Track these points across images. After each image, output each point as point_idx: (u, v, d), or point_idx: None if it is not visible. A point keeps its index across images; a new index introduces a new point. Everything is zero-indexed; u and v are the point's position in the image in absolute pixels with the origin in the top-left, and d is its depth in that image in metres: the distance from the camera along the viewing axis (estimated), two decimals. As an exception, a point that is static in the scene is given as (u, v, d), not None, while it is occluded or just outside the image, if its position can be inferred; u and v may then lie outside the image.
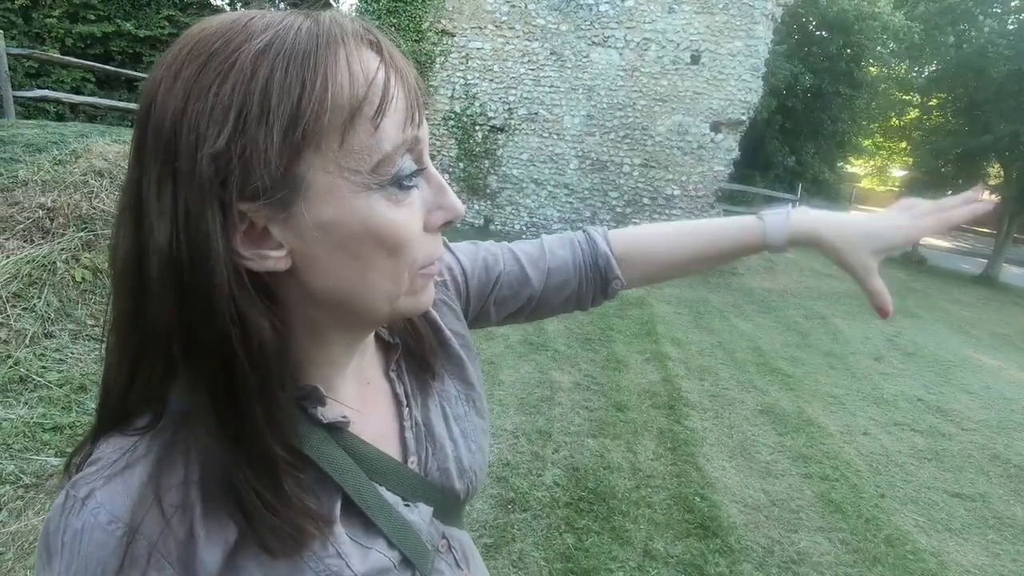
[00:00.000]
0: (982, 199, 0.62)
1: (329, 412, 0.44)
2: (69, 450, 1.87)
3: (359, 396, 0.50)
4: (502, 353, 4.27)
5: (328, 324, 0.44)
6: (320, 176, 0.37)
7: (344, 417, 0.45)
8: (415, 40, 8.90)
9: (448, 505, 0.55)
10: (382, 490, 0.48)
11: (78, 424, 2.51)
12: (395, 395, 0.54)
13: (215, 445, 0.38)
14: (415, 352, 0.56)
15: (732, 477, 2.97)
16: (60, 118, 9.02)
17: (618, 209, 9.60)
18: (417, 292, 0.44)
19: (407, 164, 0.40)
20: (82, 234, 3.31)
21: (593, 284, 0.69)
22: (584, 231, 0.72)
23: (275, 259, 0.38)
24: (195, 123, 0.34)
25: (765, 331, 5.86)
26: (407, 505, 0.50)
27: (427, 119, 0.43)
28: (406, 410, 0.54)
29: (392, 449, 0.51)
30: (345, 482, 0.44)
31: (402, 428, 0.53)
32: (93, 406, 2.62)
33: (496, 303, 0.67)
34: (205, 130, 0.34)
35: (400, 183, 0.39)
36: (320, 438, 0.44)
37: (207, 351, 0.37)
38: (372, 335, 0.52)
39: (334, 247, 0.39)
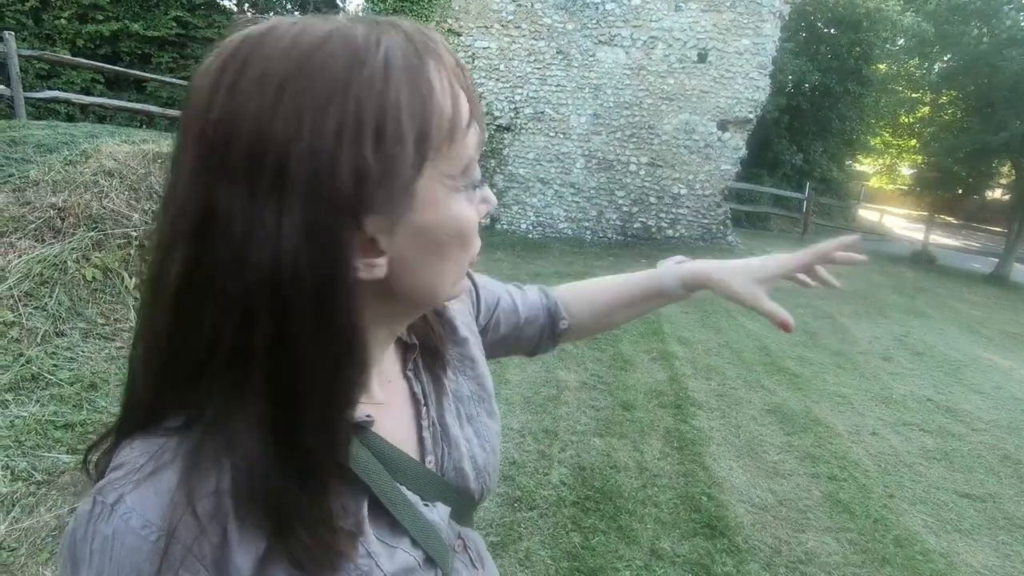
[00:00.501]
0: (854, 247, 0.71)
1: (355, 411, 0.44)
2: (81, 447, 1.89)
3: (379, 396, 0.51)
4: (508, 352, 4.28)
5: (381, 323, 0.45)
6: (426, 184, 0.38)
7: (369, 416, 0.45)
8: (421, 40, 8.92)
9: (463, 505, 0.56)
10: (403, 490, 0.48)
11: (89, 422, 2.53)
12: (412, 394, 0.54)
13: (261, 458, 0.37)
14: (428, 347, 0.57)
15: (739, 477, 2.96)
16: (70, 119, 9.10)
17: (624, 208, 9.58)
18: (463, 276, 0.46)
19: (477, 164, 0.42)
20: (92, 234, 3.35)
21: (547, 325, 0.76)
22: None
23: (380, 267, 0.39)
24: (320, 139, 0.33)
25: (772, 330, 5.82)
26: (426, 505, 0.50)
27: None
28: (424, 409, 0.54)
29: (410, 448, 0.51)
30: (372, 482, 0.44)
31: (420, 427, 0.53)
32: (103, 404, 2.66)
33: (492, 327, 0.71)
34: (337, 147, 0.33)
35: (476, 182, 0.42)
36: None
37: (303, 365, 0.36)
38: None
39: (426, 247, 0.40)
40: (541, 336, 0.77)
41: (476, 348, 0.64)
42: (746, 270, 0.69)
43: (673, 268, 0.74)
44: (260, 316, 0.35)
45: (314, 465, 0.38)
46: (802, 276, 0.72)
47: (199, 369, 0.37)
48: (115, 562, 0.34)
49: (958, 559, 2.54)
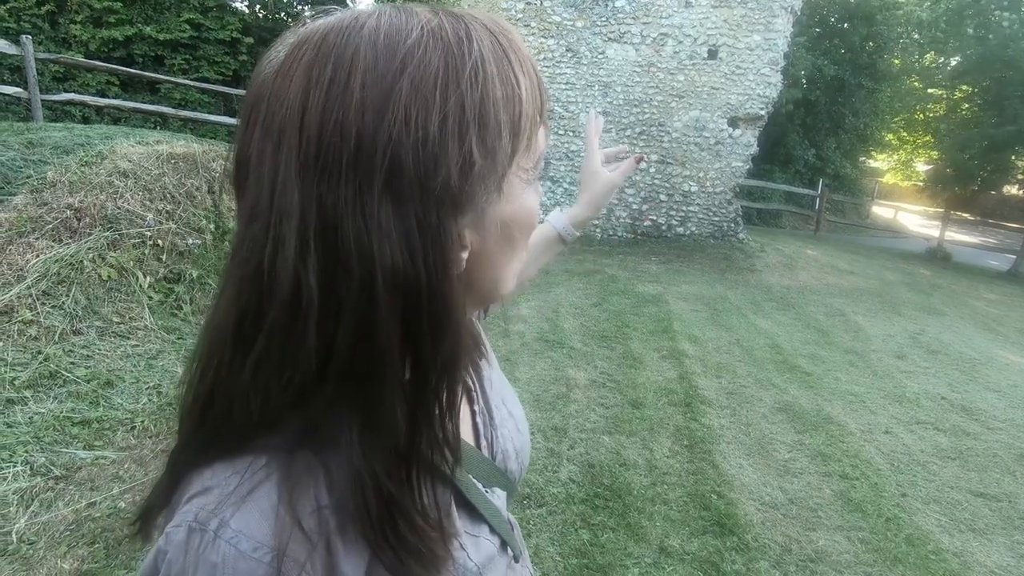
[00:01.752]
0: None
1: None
2: (98, 443, 1.91)
3: None
4: (518, 350, 4.29)
5: None
6: (512, 178, 0.39)
7: None
8: (431, 39, 8.94)
9: (511, 489, 0.56)
10: (471, 477, 0.48)
11: (105, 418, 2.58)
12: (463, 383, 0.55)
13: (378, 467, 0.35)
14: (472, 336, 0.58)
15: (749, 475, 2.95)
16: (85, 120, 9.24)
17: (634, 206, 9.55)
18: (519, 273, 0.46)
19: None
20: (108, 234, 3.40)
21: None
22: None
23: (463, 261, 0.38)
24: (427, 136, 0.33)
25: (784, 328, 5.79)
26: (487, 490, 0.50)
27: None
28: (475, 395, 0.55)
29: (467, 436, 0.51)
30: (454, 475, 0.43)
31: (473, 414, 0.54)
32: (119, 401, 2.70)
33: None
34: (442, 143, 0.33)
35: (542, 174, 0.43)
36: None
37: (427, 368, 0.36)
38: None
39: (503, 239, 0.40)
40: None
41: (485, 333, 0.66)
42: (606, 184, 0.84)
43: (560, 216, 0.86)
44: (382, 320, 0.33)
45: (427, 466, 0.37)
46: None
47: (304, 386, 0.35)
48: None
49: (972, 559, 2.51)
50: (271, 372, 0.35)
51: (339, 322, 0.33)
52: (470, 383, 0.55)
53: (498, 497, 0.52)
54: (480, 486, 0.49)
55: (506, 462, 0.55)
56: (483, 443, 0.53)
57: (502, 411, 0.58)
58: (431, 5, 0.42)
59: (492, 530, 0.48)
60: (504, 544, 0.49)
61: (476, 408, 0.54)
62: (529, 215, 0.41)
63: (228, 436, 0.36)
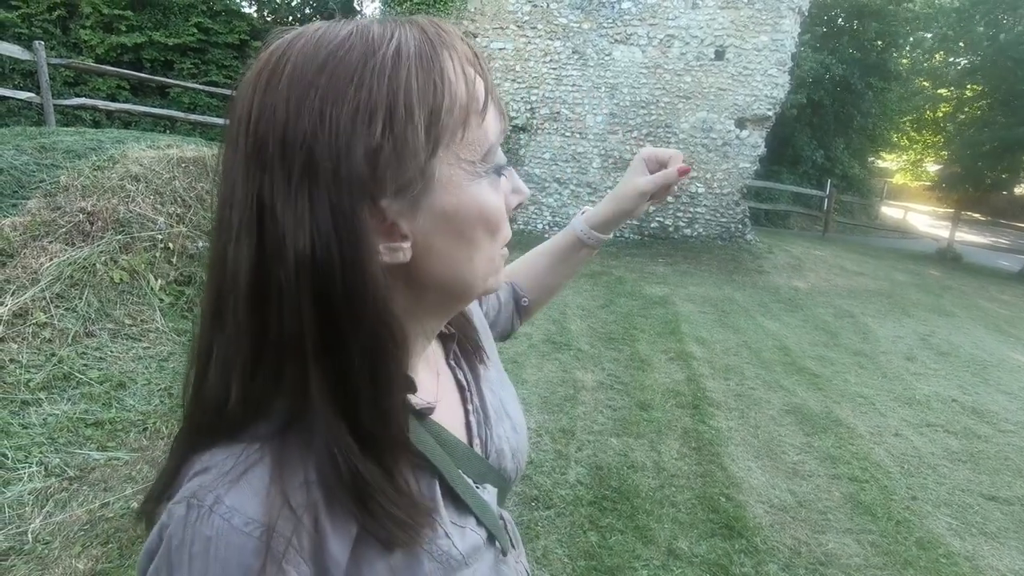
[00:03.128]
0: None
1: (416, 399, 0.46)
2: (111, 444, 1.94)
3: (433, 386, 0.54)
4: (525, 352, 4.30)
5: (418, 312, 0.46)
6: (444, 168, 0.40)
7: (430, 404, 0.48)
8: (438, 42, 8.98)
9: (504, 486, 0.58)
10: (461, 473, 0.50)
11: (118, 420, 2.61)
12: (457, 381, 0.57)
13: (339, 444, 0.38)
14: (467, 338, 0.60)
15: (758, 477, 2.94)
16: (96, 124, 9.34)
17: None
18: (498, 271, 0.47)
19: (501, 153, 0.44)
20: (120, 237, 3.44)
21: (513, 307, 0.83)
22: None
23: (403, 251, 0.40)
24: (338, 126, 0.35)
25: (792, 330, 5.77)
26: (478, 487, 0.52)
27: None
28: (468, 394, 0.57)
29: (460, 434, 0.53)
30: (441, 465, 0.46)
31: (467, 412, 0.56)
32: (132, 402, 2.73)
33: (487, 315, 0.76)
34: (352, 132, 0.35)
35: (499, 169, 0.43)
36: (414, 425, 0.45)
37: (349, 350, 0.38)
38: None
39: (451, 233, 0.41)
40: (512, 318, 0.83)
41: (487, 336, 0.68)
42: (633, 188, 0.76)
43: (579, 217, 0.81)
44: (304, 304, 0.36)
45: (381, 445, 0.40)
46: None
47: (279, 369, 0.38)
48: (220, 561, 0.35)
49: (983, 562, 2.49)
50: (244, 355, 0.38)
51: (280, 306, 0.36)
52: (463, 381, 0.57)
53: (489, 493, 0.53)
54: (470, 481, 0.51)
55: (501, 461, 0.57)
56: (476, 441, 0.55)
57: (500, 412, 0.59)
58: (428, 15, 0.44)
59: (479, 523, 0.50)
60: (492, 537, 0.51)
61: (470, 407, 0.56)
62: (482, 210, 0.42)
63: (224, 422, 0.39)
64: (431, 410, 0.48)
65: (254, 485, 0.37)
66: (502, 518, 0.58)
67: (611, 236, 0.83)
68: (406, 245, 0.40)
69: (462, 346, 0.60)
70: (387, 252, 0.39)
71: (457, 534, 0.46)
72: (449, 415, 0.53)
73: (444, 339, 0.58)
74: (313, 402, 0.38)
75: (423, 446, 0.45)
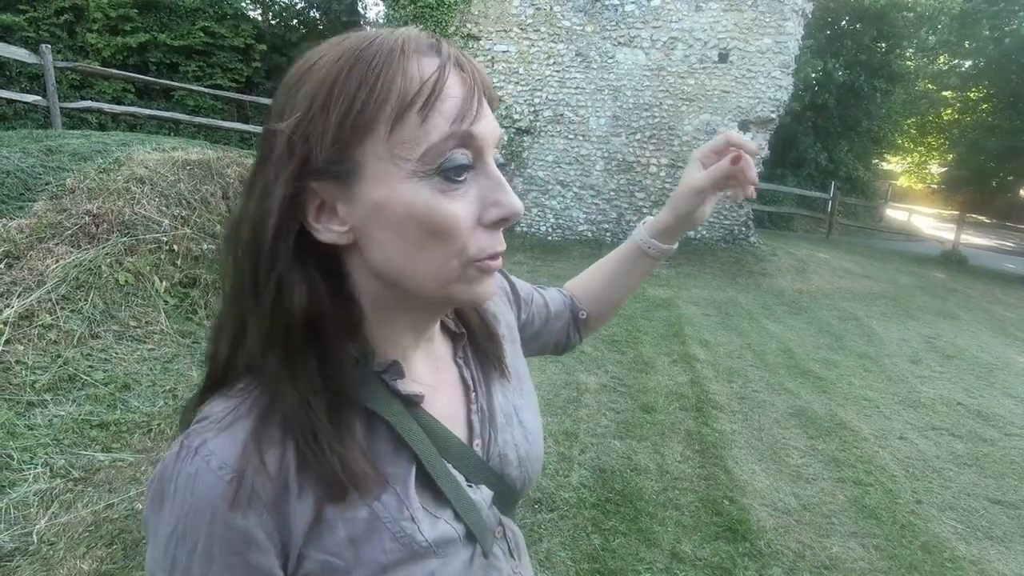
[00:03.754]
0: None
1: (405, 386, 0.49)
2: (115, 445, 1.96)
3: (431, 378, 0.54)
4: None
5: (392, 304, 0.48)
6: (374, 162, 0.42)
7: (419, 393, 0.50)
8: (441, 45, 9.00)
9: (505, 494, 0.57)
10: (449, 467, 0.51)
11: (123, 421, 2.62)
12: (463, 379, 0.58)
13: (291, 401, 0.43)
14: (483, 346, 0.61)
15: (762, 480, 2.93)
16: (102, 127, 9.39)
17: (644, 210, 9.53)
18: (471, 282, 0.46)
19: (456, 157, 0.42)
20: (125, 239, 3.45)
21: (570, 319, 0.83)
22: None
23: (338, 233, 0.44)
24: (280, 116, 0.42)
25: (796, 332, 5.75)
26: (470, 485, 0.53)
27: None
28: (473, 394, 0.57)
29: (459, 430, 0.54)
30: (420, 452, 0.48)
31: (469, 411, 0.57)
32: (136, 404, 2.74)
33: (528, 323, 0.77)
34: (281, 118, 0.42)
35: (446, 174, 0.42)
36: (398, 409, 0.48)
37: (281, 313, 0.43)
38: (438, 323, 0.56)
39: (385, 227, 0.43)
40: (568, 330, 0.82)
41: (513, 345, 0.68)
42: (686, 187, 0.72)
43: (641, 227, 0.79)
44: (261, 268, 0.43)
45: (324, 399, 0.44)
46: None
47: (244, 332, 0.45)
48: (195, 496, 0.40)
49: (989, 567, 2.48)
50: (232, 321, 0.46)
51: (244, 272, 0.44)
52: (469, 380, 0.58)
53: (482, 494, 0.53)
54: (460, 477, 0.51)
55: (504, 466, 0.57)
56: (477, 441, 0.55)
57: (511, 418, 0.59)
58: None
59: (457, 517, 0.50)
60: (470, 536, 0.50)
61: (473, 406, 0.57)
62: (412, 209, 0.42)
63: (226, 379, 0.46)
64: (420, 398, 0.50)
65: (236, 435, 0.42)
66: (501, 524, 0.57)
67: (675, 246, 0.78)
68: (342, 228, 0.44)
69: (475, 347, 0.60)
70: (323, 230, 0.44)
71: (427, 521, 0.47)
72: (448, 409, 0.54)
73: (454, 337, 0.59)
74: (269, 360, 0.43)
75: (403, 428, 0.47)
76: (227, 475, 0.40)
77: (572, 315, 0.83)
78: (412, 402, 0.49)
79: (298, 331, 0.43)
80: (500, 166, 0.47)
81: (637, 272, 0.81)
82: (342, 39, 0.43)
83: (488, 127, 0.44)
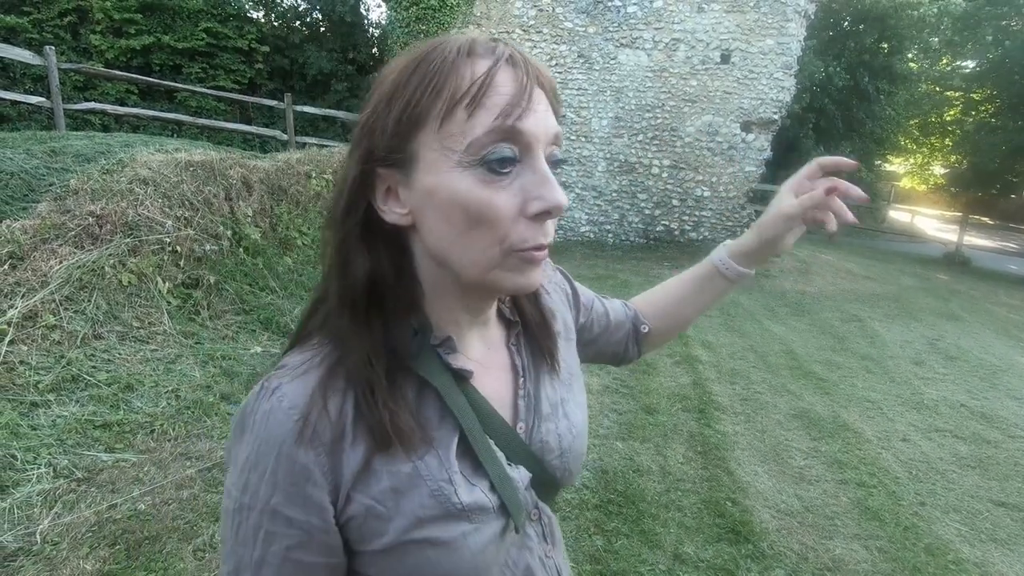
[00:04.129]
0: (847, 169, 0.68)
1: (457, 361, 0.53)
2: (118, 446, 1.97)
3: (483, 358, 0.58)
4: (530, 355, 4.29)
5: (446, 284, 0.52)
6: (427, 152, 0.47)
7: (469, 369, 0.54)
8: (444, 46, 9.00)
9: (544, 480, 0.59)
10: (491, 443, 0.54)
11: (126, 422, 2.62)
12: (513, 364, 0.61)
13: (355, 356, 0.49)
14: (536, 336, 0.63)
15: (764, 482, 2.93)
16: (105, 128, 9.42)
17: (647, 211, 9.53)
18: (513, 271, 0.49)
19: (500, 150, 0.46)
20: (128, 240, 3.46)
21: (631, 331, 0.84)
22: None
23: (399, 215, 0.49)
24: (363, 111, 0.49)
25: (799, 334, 5.74)
26: (510, 464, 0.55)
27: None
28: (521, 379, 0.60)
29: (506, 411, 0.57)
30: (463, 422, 0.52)
31: (516, 395, 0.59)
32: (139, 404, 2.75)
33: (587, 327, 0.79)
34: (370, 116, 0.48)
35: (489, 165, 0.46)
36: (448, 381, 0.52)
37: (349, 279, 0.50)
38: (493, 309, 0.60)
39: (435, 211, 0.48)
40: (627, 342, 0.84)
41: (568, 343, 0.70)
42: (776, 212, 0.72)
43: (721, 247, 0.79)
44: (335, 240, 0.50)
45: (383, 358, 0.49)
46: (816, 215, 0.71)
47: (339, 296, 0.51)
48: (268, 430, 0.47)
49: (993, 569, 2.47)
50: (323, 288, 0.53)
51: (330, 247, 0.52)
52: (519, 366, 0.61)
53: (520, 474, 0.55)
54: (500, 453, 0.54)
55: (544, 453, 0.59)
56: (520, 424, 0.58)
57: (557, 409, 0.62)
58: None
59: (492, 489, 0.52)
60: (504, 508, 0.52)
61: (521, 391, 0.60)
62: (456, 196, 0.46)
63: (306, 336, 0.54)
64: (469, 374, 0.54)
65: (306, 382, 0.48)
66: (537, 508, 0.59)
67: (753, 272, 0.77)
68: (403, 210, 0.49)
69: (529, 337, 0.63)
70: (388, 211, 0.49)
71: (464, 486, 0.50)
72: (496, 390, 0.58)
73: (508, 324, 0.63)
74: (342, 320, 0.50)
75: (450, 399, 0.52)
76: (295, 415, 0.46)
77: (633, 328, 0.84)
78: (462, 377, 0.53)
79: (363, 297, 0.49)
80: (556, 162, 0.50)
81: (710, 293, 0.80)
82: (419, 45, 0.48)
83: (537, 123, 0.47)
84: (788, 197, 0.71)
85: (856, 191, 0.67)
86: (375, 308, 0.50)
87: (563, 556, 0.66)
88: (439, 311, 0.53)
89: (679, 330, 0.87)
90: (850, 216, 0.67)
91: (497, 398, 0.57)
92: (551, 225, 0.50)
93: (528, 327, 0.63)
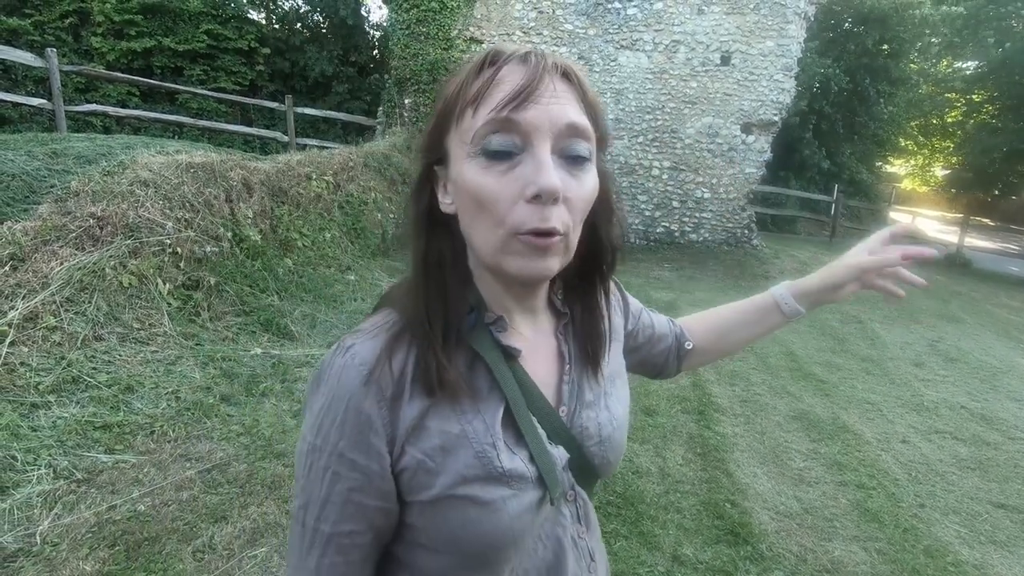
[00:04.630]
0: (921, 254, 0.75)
1: (507, 339, 0.58)
2: (118, 447, 1.97)
3: (531, 342, 0.62)
4: (530, 357, 4.29)
5: (483, 268, 0.58)
6: (453, 148, 0.54)
7: (517, 348, 0.59)
8: (444, 48, 9.03)
9: (583, 466, 0.63)
10: (533, 420, 0.58)
11: (126, 423, 2.63)
12: (560, 352, 0.65)
13: (419, 319, 0.55)
14: (586, 331, 0.66)
15: (763, 484, 2.93)
16: (106, 130, 9.44)
17: (647, 213, 9.53)
18: (517, 255, 0.52)
19: (497, 140, 0.50)
20: (129, 242, 3.47)
21: (674, 346, 0.86)
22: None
23: (447, 204, 0.57)
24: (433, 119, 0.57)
25: (799, 336, 5.74)
26: (550, 442, 0.59)
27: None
28: (567, 366, 0.64)
29: (549, 395, 0.61)
30: (509, 395, 0.56)
31: (561, 380, 0.63)
32: (140, 406, 2.76)
33: (633, 334, 0.82)
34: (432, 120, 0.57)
35: (488, 153, 0.51)
36: (497, 356, 0.57)
37: (417, 256, 0.57)
38: (542, 299, 0.64)
39: (459, 198, 0.54)
40: (668, 356, 0.86)
41: (616, 343, 0.74)
42: (841, 268, 0.78)
43: (783, 283, 0.83)
44: (417, 234, 0.58)
45: (442, 322, 0.55)
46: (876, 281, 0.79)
47: (413, 270, 0.58)
48: (340, 382, 0.53)
49: (992, 571, 2.47)
50: (410, 263, 0.59)
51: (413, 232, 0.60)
52: (564, 353, 0.64)
53: (559, 452, 0.59)
54: (540, 430, 0.58)
55: (584, 438, 0.62)
56: (563, 408, 0.62)
57: (599, 399, 0.66)
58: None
59: (531, 460, 0.56)
60: (541, 481, 0.56)
61: (566, 377, 0.63)
62: (466, 183, 0.52)
63: (382, 306, 0.61)
64: (517, 352, 0.58)
65: (375, 343, 0.54)
66: (573, 489, 0.63)
67: (805, 311, 0.81)
68: (449, 200, 0.56)
69: (577, 330, 0.66)
70: (443, 203, 0.57)
71: (505, 452, 0.55)
72: (543, 374, 0.62)
73: (558, 315, 0.67)
74: (412, 290, 0.57)
75: (499, 372, 0.57)
76: (364, 370, 0.53)
77: (677, 342, 0.86)
78: (510, 354, 0.58)
79: (428, 272, 0.56)
80: (576, 157, 0.53)
81: (763, 325, 0.83)
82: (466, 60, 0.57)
83: (539, 114, 0.50)
84: (862, 253, 0.77)
85: (930, 252, 0.74)
86: (439, 284, 0.56)
87: (598, 541, 0.69)
88: (487, 293, 0.59)
89: (723, 354, 0.90)
90: (920, 282, 0.76)
91: (543, 381, 0.61)
92: (555, 212, 0.50)
93: (576, 320, 0.66)
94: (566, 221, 0.52)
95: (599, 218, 0.60)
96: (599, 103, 0.56)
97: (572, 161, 0.52)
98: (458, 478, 0.53)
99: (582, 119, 0.52)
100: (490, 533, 0.53)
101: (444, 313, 0.56)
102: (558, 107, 0.51)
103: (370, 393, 0.52)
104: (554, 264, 0.53)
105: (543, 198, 0.49)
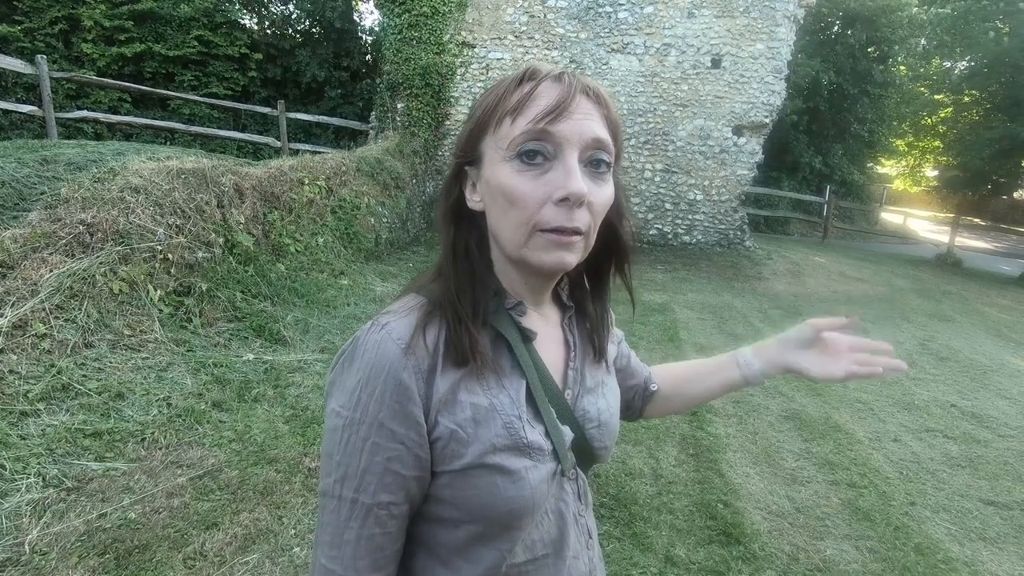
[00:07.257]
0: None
1: (526, 321, 0.65)
2: (109, 455, 1.96)
3: (541, 331, 0.67)
4: (524, 360, 4.29)
5: (505, 260, 0.64)
6: (488, 151, 0.60)
7: (534, 331, 0.65)
8: (436, 53, 9.05)
9: (582, 447, 0.68)
10: (544, 394, 0.63)
11: (116, 430, 2.61)
12: (566, 340, 0.71)
13: (451, 296, 0.60)
14: (590, 326, 0.73)
15: (756, 484, 2.94)
16: (98, 136, 9.40)
17: (640, 215, 9.56)
18: (540, 250, 0.58)
19: (531, 146, 0.56)
20: (119, 248, 3.46)
21: (641, 386, 0.91)
22: None
23: (475, 202, 0.63)
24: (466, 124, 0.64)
25: (791, 336, 5.76)
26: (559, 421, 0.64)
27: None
28: (572, 354, 0.70)
29: (557, 378, 0.67)
30: (528, 373, 0.62)
31: (567, 366, 0.69)
32: (130, 413, 2.75)
33: (615, 360, 0.85)
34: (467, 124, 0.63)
35: (521, 157, 0.57)
36: (518, 337, 0.63)
37: (447, 245, 0.64)
38: (549, 292, 0.70)
39: (490, 196, 0.60)
40: (635, 393, 0.91)
41: (611, 345, 0.80)
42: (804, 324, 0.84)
43: (747, 347, 0.86)
44: (447, 225, 0.64)
45: (470, 300, 0.61)
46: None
47: (444, 256, 0.64)
48: (378, 356, 0.57)
49: (982, 568, 2.49)
50: (441, 251, 0.65)
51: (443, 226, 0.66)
52: (570, 342, 0.70)
53: (566, 432, 0.64)
54: (552, 411, 0.63)
55: (585, 421, 0.68)
56: (568, 392, 0.68)
57: (599, 387, 0.72)
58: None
59: (547, 435, 0.61)
60: (555, 453, 0.62)
61: (571, 364, 0.69)
62: (499, 182, 0.58)
63: (409, 291, 0.65)
64: (534, 334, 0.64)
65: (410, 321, 0.59)
66: (575, 469, 0.67)
67: (764, 381, 0.84)
68: (477, 198, 0.62)
69: (581, 325, 0.73)
70: (471, 200, 0.63)
71: (528, 426, 0.60)
72: (551, 360, 0.67)
73: (563, 308, 0.73)
74: (444, 272, 0.63)
75: (520, 353, 0.62)
76: (402, 344, 0.57)
77: (644, 384, 0.91)
78: (527, 337, 0.64)
79: (457, 259, 0.62)
80: (597, 161, 0.59)
81: (719, 378, 0.86)
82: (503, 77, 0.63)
83: (571, 128, 0.57)
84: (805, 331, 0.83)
85: (901, 364, 0.82)
86: (467, 268, 0.62)
87: (594, 522, 0.75)
88: (506, 282, 0.64)
89: (684, 406, 0.92)
90: (903, 367, 0.82)
91: (550, 365, 0.66)
92: (579, 214, 0.57)
93: (580, 314, 0.73)
94: (587, 222, 0.58)
95: (614, 221, 0.67)
96: (619, 122, 0.63)
97: (595, 170, 0.59)
98: (488, 447, 0.57)
99: (606, 135, 0.59)
100: (514, 499, 0.58)
101: (472, 293, 0.61)
102: (587, 123, 0.57)
103: (408, 364, 0.56)
104: (572, 259, 0.59)
105: (571, 201, 0.56)
